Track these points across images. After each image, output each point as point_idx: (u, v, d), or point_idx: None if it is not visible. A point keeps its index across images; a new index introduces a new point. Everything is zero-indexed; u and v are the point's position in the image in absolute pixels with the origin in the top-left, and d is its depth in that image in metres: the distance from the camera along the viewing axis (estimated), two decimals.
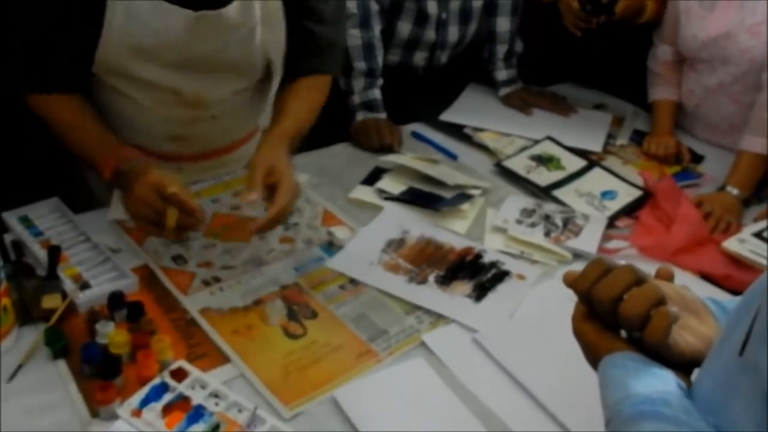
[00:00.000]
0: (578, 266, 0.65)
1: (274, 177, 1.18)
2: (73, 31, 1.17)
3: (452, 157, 1.69)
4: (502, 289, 1.24)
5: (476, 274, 1.27)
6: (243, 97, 1.39)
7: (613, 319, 0.62)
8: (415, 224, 1.39)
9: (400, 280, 1.24)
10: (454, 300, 1.20)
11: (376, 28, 1.74)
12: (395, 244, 1.33)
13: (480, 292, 1.23)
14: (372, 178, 1.53)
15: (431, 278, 1.25)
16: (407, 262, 1.29)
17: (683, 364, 0.62)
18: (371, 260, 1.28)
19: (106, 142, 1.24)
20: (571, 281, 0.65)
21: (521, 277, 1.27)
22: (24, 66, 1.22)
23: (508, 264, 1.30)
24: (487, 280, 1.26)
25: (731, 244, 1.37)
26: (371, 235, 1.36)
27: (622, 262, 0.63)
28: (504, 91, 1.98)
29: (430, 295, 1.21)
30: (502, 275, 1.27)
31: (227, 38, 1.22)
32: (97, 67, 1.23)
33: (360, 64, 1.71)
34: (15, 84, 1.25)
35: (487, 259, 1.31)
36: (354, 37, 1.70)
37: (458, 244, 1.35)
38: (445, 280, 1.25)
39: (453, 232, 1.39)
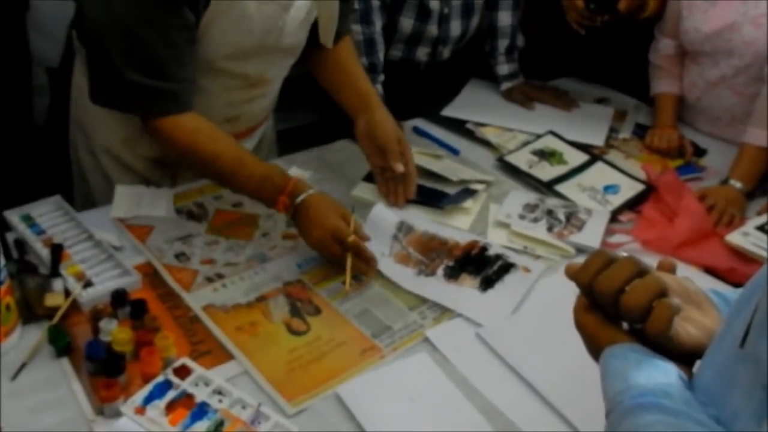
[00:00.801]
0: (581, 260, 0.65)
1: (401, 145, 1.38)
2: (186, 43, 1.18)
3: (454, 152, 1.69)
4: (509, 279, 1.24)
5: (482, 267, 1.27)
6: (287, 71, 1.46)
7: (615, 310, 0.62)
8: (417, 221, 1.39)
9: (409, 272, 1.25)
10: (461, 291, 1.20)
11: (378, 24, 1.73)
12: (405, 230, 1.34)
13: (487, 285, 1.23)
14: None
15: (440, 271, 1.25)
16: (417, 251, 1.29)
17: (685, 356, 0.62)
18: (383, 251, 1.29)
19: (271, 174, 1.23)
20: (572, 273, 0.65)
21: (527, 270, 1.27)
22: (151, 92, 1.18)
23: (513, 257, 1.30)
24: (493, 273, 1.25)
25: (735, 237, 1.37)
26: (380, 224, 1.35)
27: (624, 254, 0.63)
28: (506, 85, 1.97)
29: (437, 287, 1.21)
30: (508, 267, 1.27)
31: (300, 21, 1.29)
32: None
33: (362, 60, 1.71)
34: (144, 114, 1.23)
35: (492, 252, 1.31)
36: (355, 32, 1.70)
37: (462, 239, 1.35)
38: (453, 273, 1.25)
39: (454, 228, 1.39)
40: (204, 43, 1.21)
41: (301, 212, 1.20)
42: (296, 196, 1.20)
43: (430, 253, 1.29)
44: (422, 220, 1.40)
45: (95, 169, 1.46)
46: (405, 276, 1.24)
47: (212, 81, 1.31)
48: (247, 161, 1.24)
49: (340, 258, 1.19)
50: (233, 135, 1.42)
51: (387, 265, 1.26)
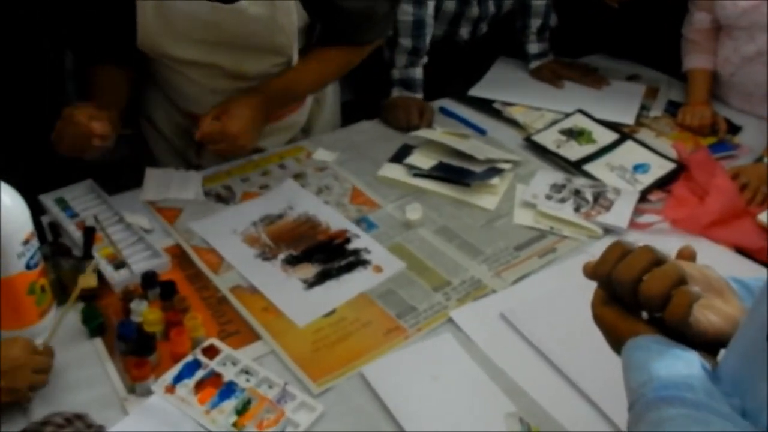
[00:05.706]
0: (608, 241, 0.64)
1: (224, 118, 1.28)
2: (111, 12, 1.27)
3: (481, 132, 1.68)
4: (346, 278, 1.19)
5: (332, 258, 1.23)
6: (283, 69, 1.41)
7: (634, 300, 0.61)
8: (304, 202, 1.37)
9: (249, 252, 1.23)
10: (287, 283, 1.17)
11: (430, 5, 1.70)
12: (269, 220, 1.32)
13: (319, 279, 1.19)
14: (400, 155, 1.53)
15: (281, 256, 1.23)
16: (269, 237, 1.27)
17: (708, 345, 0.61)
18: (235, 228, 1.28)
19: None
20: (590, 270, 0.64)
21: (379, 270, 1.21)
22: (79, 42, 1.39)
23: (375, 255, 1.24)
24: (337, 267, 1.21)
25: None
26: (253, 208, 1.35)
27: (641, 243, 0.62)
28: (535, 64, 1.95)
29: (265, 271, 1.19)
30: (355, 264, 1.22)
31: (248, 26, 1.28)
32: (141, 46, 1.31)
33: (406, 41, 1.68)
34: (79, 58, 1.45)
35: (354, 245, 1.27)
36: (405, 12, 1.66)
37: (337, 225, 1.31)
38: (292, 260, 1.22)
39: (345, 217, 1.34)
40: (143, 20, 1.27)
41: None
42: None
43: (281, 242, 1.25)
44: (308, 200, 1.37)
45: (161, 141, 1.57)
46: (242, 255, 1.22)
47: (188, 69, 1.37)
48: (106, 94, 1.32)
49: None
50: None
51: (230, 242, 1.25)
